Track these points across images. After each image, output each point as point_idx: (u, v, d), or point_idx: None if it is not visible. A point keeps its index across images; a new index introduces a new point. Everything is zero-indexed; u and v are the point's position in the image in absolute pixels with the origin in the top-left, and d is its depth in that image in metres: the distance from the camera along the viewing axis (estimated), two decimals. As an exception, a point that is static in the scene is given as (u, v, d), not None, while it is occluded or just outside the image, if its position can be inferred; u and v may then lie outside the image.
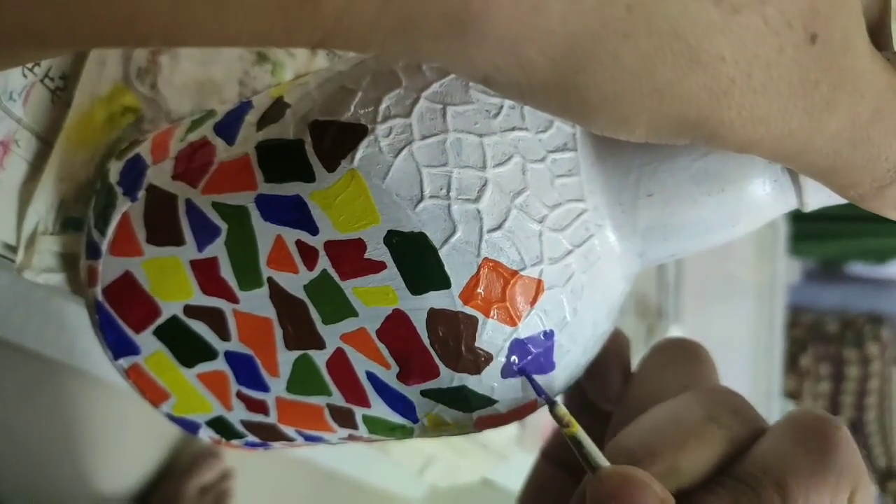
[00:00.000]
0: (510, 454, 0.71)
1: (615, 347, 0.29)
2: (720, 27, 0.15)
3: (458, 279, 0.23)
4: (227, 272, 0.27)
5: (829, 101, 0.17)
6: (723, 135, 0.17)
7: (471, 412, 0.26)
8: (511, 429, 0.71)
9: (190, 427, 0.33)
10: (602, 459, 0.22)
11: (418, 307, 0.24)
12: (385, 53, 0.16)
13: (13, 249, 0.34)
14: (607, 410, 0.29)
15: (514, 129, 0.24)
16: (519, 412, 0.27)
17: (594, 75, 0.16)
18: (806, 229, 1.71)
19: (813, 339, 1.89)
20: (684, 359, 0.28)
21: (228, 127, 0.27)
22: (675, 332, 0.93)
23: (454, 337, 0.24)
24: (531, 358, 0.25)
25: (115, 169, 0.31)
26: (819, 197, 0.23)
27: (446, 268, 0.23)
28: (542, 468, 0.32)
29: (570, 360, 0.26)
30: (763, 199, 0.24)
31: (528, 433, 0.71)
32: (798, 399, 1.84)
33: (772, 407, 1.15)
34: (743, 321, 1.10)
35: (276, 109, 0.26)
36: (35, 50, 0.16)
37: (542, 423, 0.72)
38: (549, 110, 0.17)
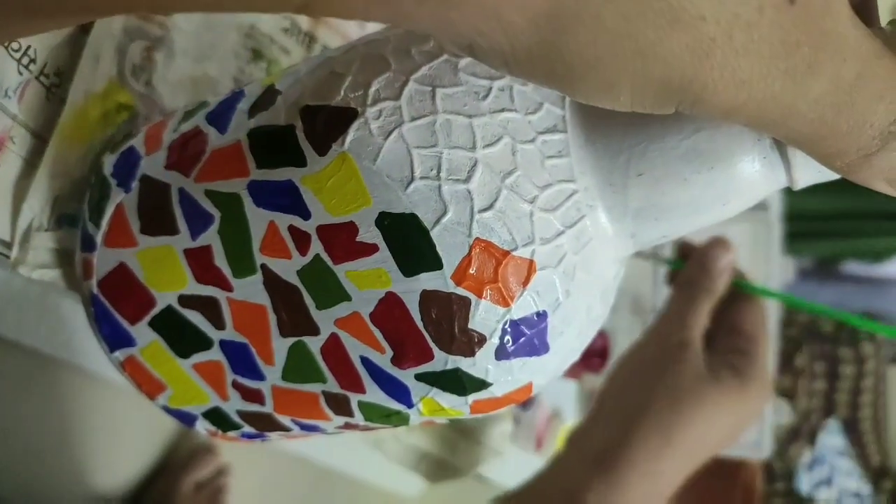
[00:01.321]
0: (505, 451, 0.71)
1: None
2: None
3: (450, 260, 0.24)
4: (220, 260, 0.27)
5: (812, 64, 0.17)
6: (706, 99, 0.17)
7: (465, 395, 0.26)
8: (506, 425, 0.71)
9: (186, 419, 0.33)
10: None
11: (411, 289, 0.24)
12: (369, 18, 0.16)
13: (8, 245, 0.34)
14: None
15: (503, 110, 0.24)
16: (514, 395, 0.27)
17: (577, 37, 0.16)
18: (801, 228, 1.71)
19: (808, 338, 1.89)
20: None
21: (220, 116, 0.27)
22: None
23: (447, 318, 0.24)
24: (525, 339, 0.25)
25: (108, 161, 0.31)
26: (809, 173, 0.24)
27: (438, 249, 0.23)
28: None
29: (564, 342, 0.26)
30: (753, 176, 0.24)
31: (522, 430, 0.71)
32: (793, 398, 1.84)
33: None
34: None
35: (268, 97, 0.26)
36: (24, 21, 0.16)
37: (536, 419, 0.72)
38: (534, 78, 0.17)
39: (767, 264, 1.15)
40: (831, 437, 1.89)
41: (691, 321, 0.41)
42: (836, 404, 1.88)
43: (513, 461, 0.72)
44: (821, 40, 0.17)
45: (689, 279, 0.42)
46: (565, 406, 0.77)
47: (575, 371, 0.78)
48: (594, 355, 0.77)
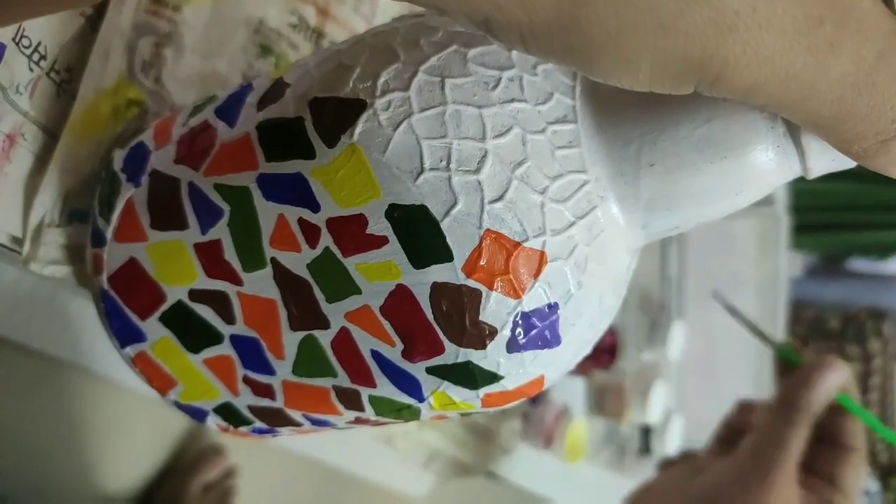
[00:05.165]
0: (514, 448, 0.71)
1: None
2: None
3: (461, 252, 0.23)
4: (230, 254, 0.27)
5: (834, 42, 0.17)
6: (728, 76, 0.17)
7: (477, 389, 0.26)
8: (515, 423, 0.71)
9: (197, 415, 0.34)
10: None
11: (421, 281, 0.24)
12: None
13: (19, 242, 0.34)
14: None
15: (513, 100, 0.24)
16: (526, 389, 0.27)
17: (597, 10, 0.16)
18: (808, 222, 1.71)
19: (814, 336, 1.88)
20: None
21: (229, 109, 0.27)
22: (677, 326, 0.93)
23: (458, 311, 0.24)
24: (536, 332, 0.25)
25: (118, 156, 0.31)
26: (823, 162, 0.23)
27: (448, 240, 0.23)
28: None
29: (576, 334, 0.26)
30: (766, 165, 0.24)
31: (531, 427, 0.71)
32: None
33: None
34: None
35: (276, 89, 0.26)
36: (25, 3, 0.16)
37: (545, 417, 0.72)
38: (551, 54, 0.17)
39: (775, 259, 1.15)
40: (840, 435, 1.88)
41: (788, 446, 0.37)
42: (844, 401, 1.87)
43: (522, 458, 0.72)
44: (843, 17, 0.17)
45: (790, 399, 0.38)
46: (574, 403, 0.77)
47: (584, 368, 0.78)
48: (603, 352, 0.77)
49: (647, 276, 0.94)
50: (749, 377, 1.10)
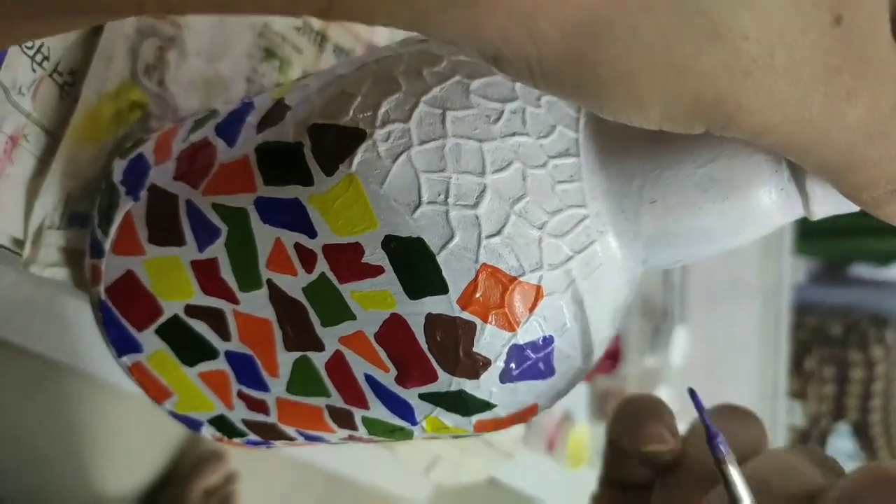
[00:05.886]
0: (516, 453, 0.71)
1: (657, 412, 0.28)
2: (745, 3, 0.15)
3: (456, 285, 0.23)
4: (227, 273, 0.27)
5: (851, 91, 0.16)
6: (740, 118, 0.17)
7: (469, 416, 0.26)
8: (517, 428, 0.71)
9: (192, 425, 0.34)
10: (747, 496, 0.22)
11: (416, 312, 0.24)
12: (392, 24, 0.15)
13: (20, 244, 0.34)
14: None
15: (514, 134, 0.24)
16: (519, 416, 0.27)
17: (608, 50, 0.15)
18: (811, 227, 1.70)
19: (817, 342, 1.88)
20: (744, 422, 0.28)
21: (229, 128, 0.27)
22: (680, 332, 0.93)
23: (452, 342, 0.24)
24: (530, 364, 0.25)
25: (118, 168, 0.31)
26: (826, 205, 0.23)
27: (444, 273, 0.23)
28: (607, 495, 0.31)
29: (571, 365, 0.26)
30: (769, 207, 0.23)
31: (533, 433, 0.71)
32: (804, 399, 1.84)
33: (777, 407, 1.15)
34: (748, 322, 1.10)
35: (277, 112, 0.26)
36: (33, 22, 0.16)
37: (546, 423, 0.72)
38: (560, 91, 0.17)
39: (779, 265, 1.14)
40: (841, 441, 1.88)
41: None
42: (845, 408, 1.87)
43: (524, 464, 0.72)
44: (862, 66, 0.16)
45: None
46: (576, 408, 0.77)
47: (587, 373, 0.78)
48: (606, 357, 0.76)
49: (649, 282, 0.94)
50: (753, 383, 1.09)
